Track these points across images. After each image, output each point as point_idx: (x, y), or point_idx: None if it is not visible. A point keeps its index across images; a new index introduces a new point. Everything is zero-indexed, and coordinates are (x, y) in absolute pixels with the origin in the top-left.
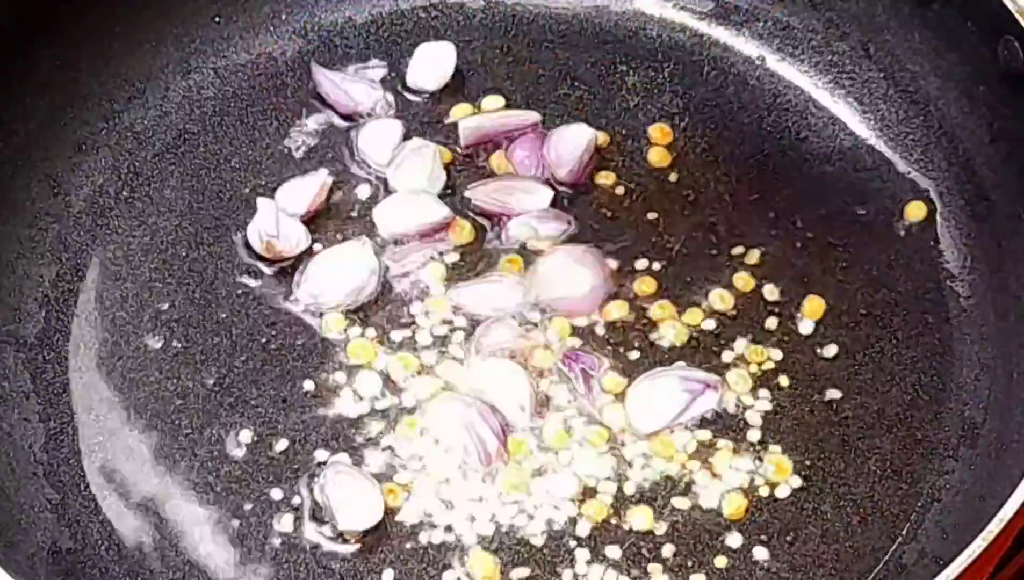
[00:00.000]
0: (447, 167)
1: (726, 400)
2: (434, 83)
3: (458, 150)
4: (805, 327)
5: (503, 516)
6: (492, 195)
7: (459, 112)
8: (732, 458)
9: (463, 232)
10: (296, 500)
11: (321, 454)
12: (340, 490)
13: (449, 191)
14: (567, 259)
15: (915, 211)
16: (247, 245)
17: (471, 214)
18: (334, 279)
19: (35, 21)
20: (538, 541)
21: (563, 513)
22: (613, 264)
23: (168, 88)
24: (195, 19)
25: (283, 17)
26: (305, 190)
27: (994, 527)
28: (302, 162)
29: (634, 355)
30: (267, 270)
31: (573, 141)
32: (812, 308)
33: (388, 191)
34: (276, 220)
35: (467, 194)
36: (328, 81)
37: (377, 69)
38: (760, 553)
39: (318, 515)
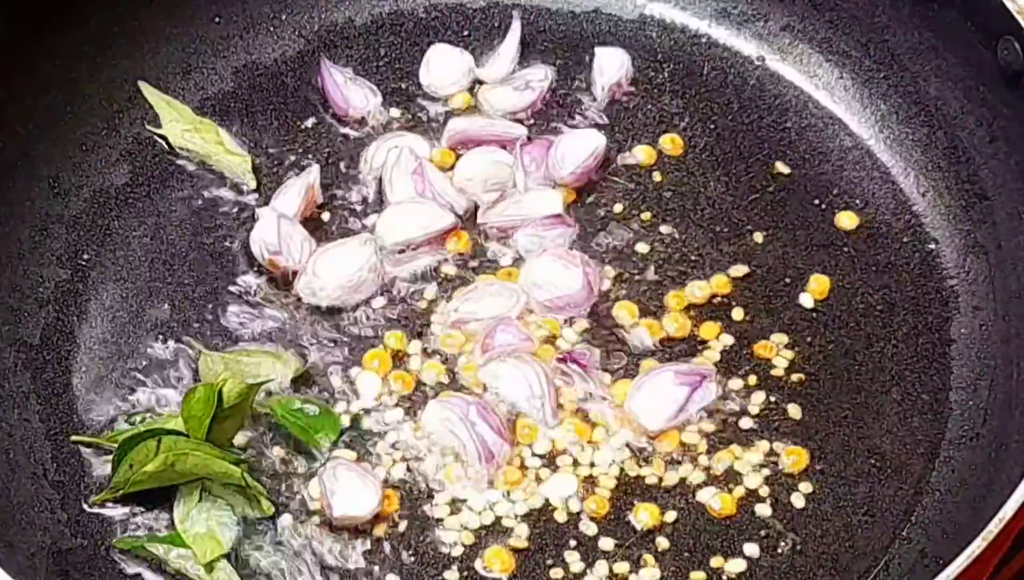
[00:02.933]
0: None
1: (726, 399)
2: (447, 89)
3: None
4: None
5: (504, 514)
6: (504, 213)
7: (457, 100)
8: (733, 457)
9: (460, 241)
10: (297, 501)
11: (323, 454)
12: (338, 482)
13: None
14: (554, 260)
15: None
16: (247, 247)
17: (484, 234)
18: (334, 275)
19: (36, 22)
20: (540, 538)
21: (565, 510)
22: (613, 263)
23: (168, 88)
24: (195, 19)
25: (283, 17)
26: (298, 189)
27: (994, 527)
28: (301, 163)
29: (635, 354)
30: (267, 271)
31: (583, 147)
32: (820, 287)
33: (388, 197)
34: (278, 232)
35: (480, 220)
36: (331, 79)
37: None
38: (760, 552)
39: (321, 516)
